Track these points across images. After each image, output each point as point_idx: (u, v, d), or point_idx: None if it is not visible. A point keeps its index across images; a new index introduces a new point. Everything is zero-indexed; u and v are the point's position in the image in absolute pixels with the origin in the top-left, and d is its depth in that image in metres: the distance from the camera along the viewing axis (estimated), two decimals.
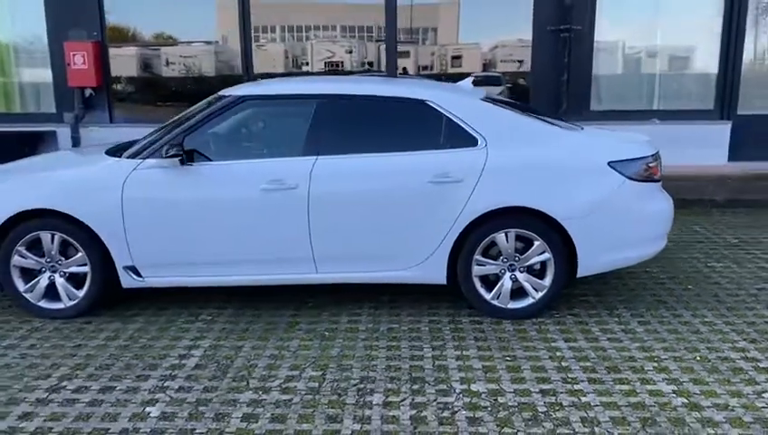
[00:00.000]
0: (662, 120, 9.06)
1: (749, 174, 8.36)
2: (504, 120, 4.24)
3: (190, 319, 4.31)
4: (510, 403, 3.22)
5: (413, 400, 3.26)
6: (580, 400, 3.25)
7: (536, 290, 4.21)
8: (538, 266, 4.20)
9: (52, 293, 4.31)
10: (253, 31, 9.65)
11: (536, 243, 4.13)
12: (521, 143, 4.17)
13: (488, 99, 4.46)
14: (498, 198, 4.07)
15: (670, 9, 9.19)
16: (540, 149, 4.16)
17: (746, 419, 3.06)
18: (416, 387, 3.38)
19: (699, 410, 3.15)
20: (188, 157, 4.06)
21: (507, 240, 4.14)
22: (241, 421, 3.07)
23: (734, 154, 9.12)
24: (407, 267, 4.22)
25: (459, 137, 4.17)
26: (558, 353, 3.76)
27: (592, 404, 3.20)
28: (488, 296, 4.23)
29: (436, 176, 4.08)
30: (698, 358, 3.69)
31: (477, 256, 4.17)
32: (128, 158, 4.23)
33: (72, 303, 4.29)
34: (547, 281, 4.19)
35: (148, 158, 4.17)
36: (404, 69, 10.47)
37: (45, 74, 9.44)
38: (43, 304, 4.31)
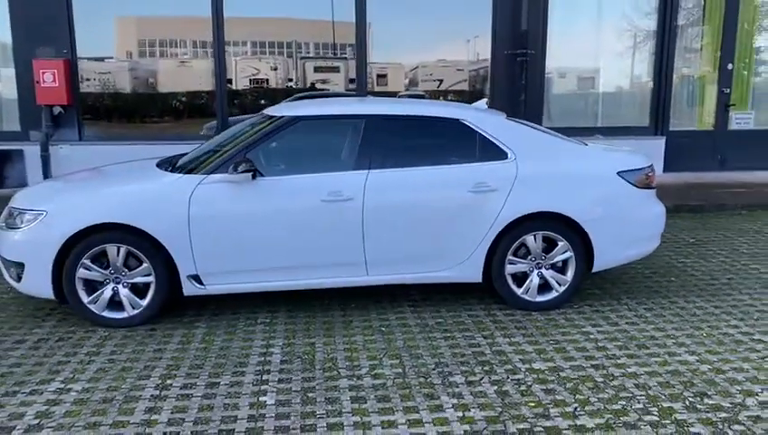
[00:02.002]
0: (605, 136, 10.04)
1: (686, 183, 9.44)
2: (528, 135, 4.86)
3: (250, 322, 4.63)
4: (571, 376, 3.79)
5: (490, 378, 3.77)
6: (626, 371, 3.86)
7: (560, 284, 4.82)
8: (560, 264, 4.82)
9: (115, 303, 4.51)
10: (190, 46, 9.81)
11: (560, 243, 4.75)
12: (544, 156, 4.80)
13: (510, 118, 5.07)
14: (528, 205, 4.66)
15: (611, 37, 10.23)
16: (561, 161, 4.81)
17: (761, 377, 3.77)
18: (486, 368, 3.90)
19: (723, 373, 3.83)
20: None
21: (536, 241, 4.74)
22: (352, 403, 3.48)
23: (669, 166, 10.24)
24: (448, 268, 4.74)
25: (492, 151, 4.75)
26: (591, 336, 4.38)
27: (638, 374, 3.83)
28: (519, 291, 4.81)
29: (475, 186, 4.63)
30: (705, 334, 4.41)
31: (510, 257, 4.75)
32: (192, 173, 4.53)
33: (136, 312, 4.52)
34: (569, 276, 4.82)
35: (212, 173, 4.48)
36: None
37: (9, 91, 9.33)
38: (107, 313, 4.51)
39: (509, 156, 4.74)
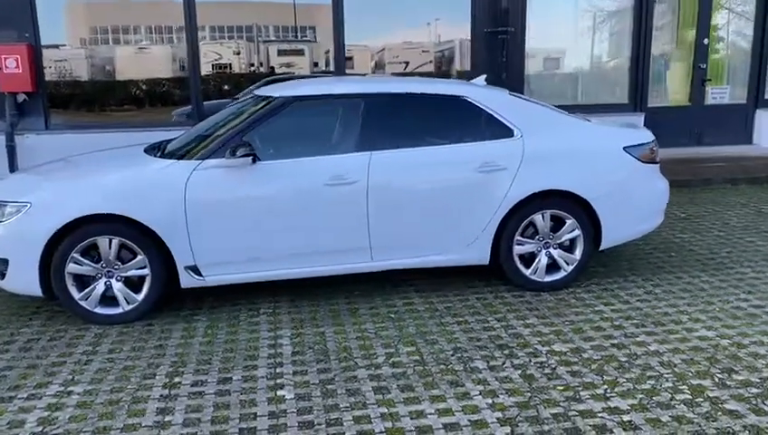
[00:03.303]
0: (585, 114, 9.99)
1: (671, 158, 9.46)
2: (533, 111, 4.73)
3: (252, 313, 4.43)
4: (594, 357, 3.70)
5: (512, 362, 3.65)
6: (648, 349, 3.79)
7: (568, 263, 4.73)
8: (568, 243, 4.72)
9: (108, 298, 4.26)
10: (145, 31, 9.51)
11: (568, 221, 4.65)
12: (550, 133, 4.67)
13: (513, 94, 4.93)
14: (537, 183, 4.54)
15: (589, 14, 10.17)
16: (567, 137, 4.69)
17: None
18: (506, 352, 3.78)
19: (744, 347, 3.78)
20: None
21: (544, 220, 4.63)
22: (375, 393, 3.32)
23: None
24: (455, 251, 4.60)
25: (497, 129, 4.60)
26: (605, 315, 4.29)
27: (660, 351, 3.75)
28: (527, 272, 4.70)
29: (483, 165, 4.49)
30: (717, 309, 4.36)
31: (518, 237, 4.63)
32: (185, 159, 4.28)
33: (132, 307, 4.28)
34: (577, 255, 4.72)
35: (207, 158, 4.24)
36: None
37: None
38: (100, 310, 4.26)
39: (515, 133, 4.60)
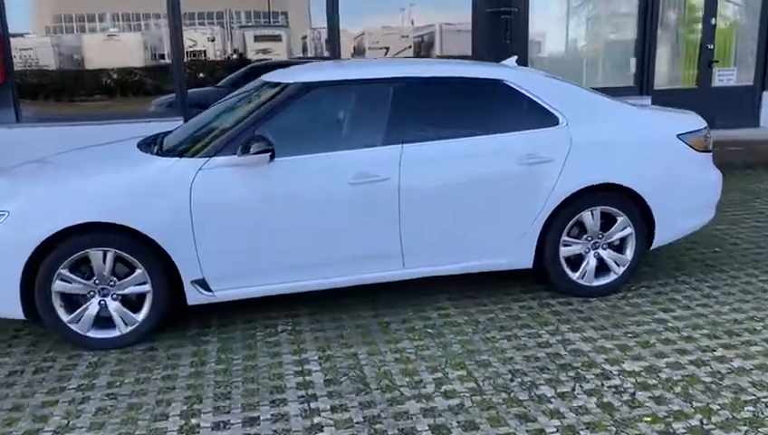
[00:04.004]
0: None
1: None
2: (577, 96, 4.23)
3: (269, 331, 3.88)
4: (674, 378, 3.22)
5: (582, 387, 3.16)
6: (731, 365, 3.32)
7: (618, 265, 4.25)
8: (618, 242, 4.24)
9: (102, 320, 3.68)
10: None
11: (619, 219, 4.16)
12: (598, 119, 4.18)
13: (550, 75, 4.42)
14: (586, 177, 4.04)
15: None
16: (616, 125, 4.19)
17: None
18: (572, 374, 3.28)
19: None
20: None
21: (593, 218, 4.14)
22: (432, 433, 2.80)
23: None
24: (495, 255, 4.09)
25: (541, 116, 4.09)
26: (669, 324, 3.82)
27: (746, 368, 3.29)
28: (574, 276, 4.20)
29: (527, 156, 3.97)
30: None
31: (565, 237, 4.13)
32: (189, 157, 3.70)
33: (130, 328, 3.70)
34: (628, 255, 4.24)
35: (215, 155, 3.66)
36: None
37: None
38: (93, 333, 3.67)
39: (560, 120, 4.09)
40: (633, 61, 9.89)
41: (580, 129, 4.08)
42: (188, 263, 3.66)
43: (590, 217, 4.13)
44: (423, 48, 10.10)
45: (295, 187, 3.72)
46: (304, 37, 11.59)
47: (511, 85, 4.08)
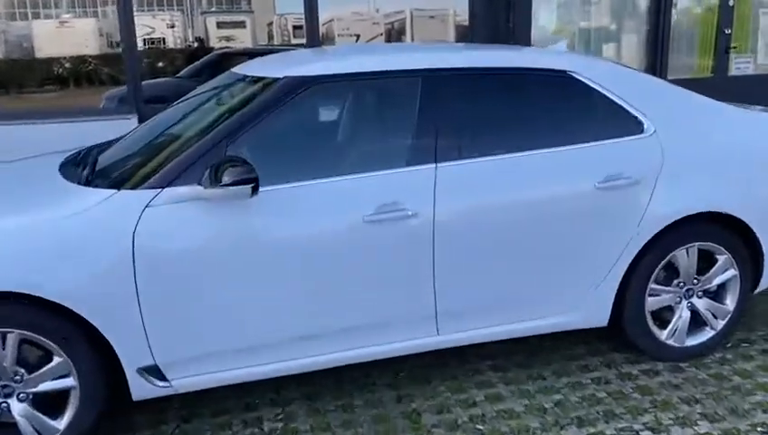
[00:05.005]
0: None
1: None
2: (665, 93, 3.15)
3: (251, 429, 2.72)
4: None
5: None
6: None
7: (716, 317, 3.19)
8: (715, 288, 3.18)
9: (6, 427, 2.48)
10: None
11: (721, 258, 3.10)
12: (694, 125, 3.11)
13: (623, 65, 3.33)
14: (684, 203, 2.97)
15: None
16: (719, 132, 3.12)
17: None
18: None
19: None
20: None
21: (689, 258, 3.07)
22: None
23: None
24: (562, 311, 3.00)
25: (621, 120, 2.99)
26: None
27: None
28: (662, 335, 3.14)
29: (607, 178, 2.88)
30: None
31: (652, 284, 3.05)
32: (129, 188, 2.51)
33: None
34: (729, 304, 3.19)
35: (169, 185, 2.48)
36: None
37: None
38: None
39: (645, 127, 3.00)
40: (644, 47, 8.93)
41: (674, 137, 3.00)
42: (132, 344, 2.49)
43: (684, 257, 3.06)
44: (393, 34, 9.60)
45: (289, 229, 2.57)
46: (270, 24, 10.69)
47: (581, 79, 2.97)
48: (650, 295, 3.07)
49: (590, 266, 2.95)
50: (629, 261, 2.97)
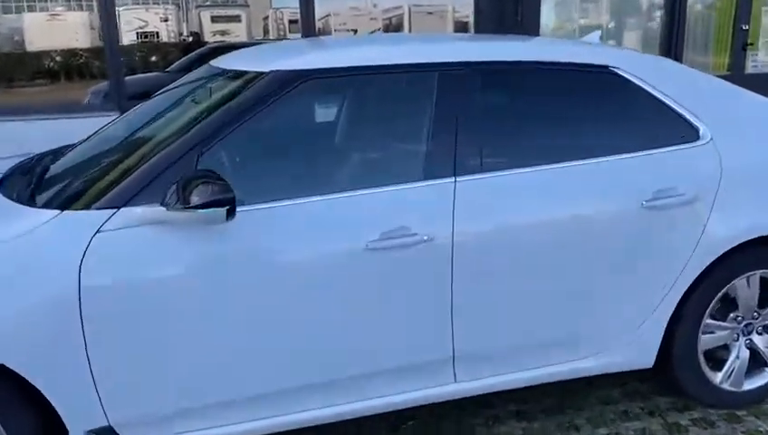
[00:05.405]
0: None
1: None
2: (724, 94, 2.68)
3: None
4: None
5: None
6: None
7: None
8: None
9: None
10: None
11: None
12: (758, 131, 2.64)
13: (667, 59, 2.86)
14: (748, 223, 2.51)
15: None
16: None
17: None
18: None
19: None
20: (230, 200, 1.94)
21: (749, 288, 2.60)
22: None
23: None
24: (600, 352, 2.52)
25: (671, 126, 2.52)
26: None
27: None
28: (717, 378, 2.67)
29: (655, 195, 2.40)
30: None
31: (707, 320, 2.58)
32: (77, 208, 2.02)
33: None
34: None
35: (125, 205, 2.00)
36: None
37: None
38: None
39: (701, 133, 2.52)
40: (657, 42, 8.49)
41: (734, 145, 2.53)
42: (79, 402, 2.00)
43: (745, 287, 2.59)
44: (392, 31, 9.42)
45: (274, 259, 2.08)
46: (266, 18, 10.55)
47: (625, 75, 2.49)
48: (705, 332, 2.60)
49: (635, 300, 2.47)
50: (682, 293, 2.50)
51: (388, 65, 2.29)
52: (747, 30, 8.82)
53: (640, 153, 2.44)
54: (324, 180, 2.21)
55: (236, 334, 2.08)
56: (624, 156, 2.43)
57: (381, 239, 2.13)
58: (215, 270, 2.02)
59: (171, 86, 2.73)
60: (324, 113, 2.51)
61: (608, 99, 2.50)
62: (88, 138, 2.70)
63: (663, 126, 2.50)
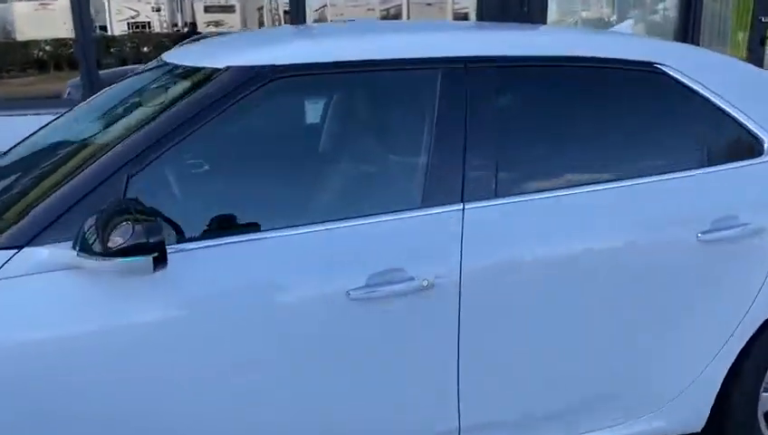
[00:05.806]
0: None
1: None
2: None
3: None
4: None
5: None
6: None
7: None
8: None
9: None
10: None
11: None
12: None
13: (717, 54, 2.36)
14: None
15: None
16: None
17: None
18: None
19: None
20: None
21: None
22: None
23: None
24: (641, 415, 2.04)
25: (731, 137, 2.04)
26: None
27: None
28: None
29: (714, 225, 1.91)
30: None
31: None
32: None
33: None
34: None
35: (28, 245, 1.50)
36: None
37: None
38: None
39: (765, 145, 2.03)
40: (672, 36, 8.09)
41: None
42: None
43: None
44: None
45: (227, 315, 1.59)
46: (260, 8, 10.48)
47: (674, 75, 1.99)
48: (765, 390, 2.12)
49: (685, 352, 2.00)
50: (743, 343, 2.02)
51: (380, 60, 1.78)
52: (766, 22, 8.41)
53: (694, 172, 1.96)
54: (294, 209, 1.71)
55: (179, 411, 1.59)
56: (674, 176, 1.94)
57: (368, 287, 1.64)
58: (145, 332, 1.53)
59: (114, 85, 2.23)
60: (298, 121, 2.02)
61: (654, 104, 2.00)
62: (11, 147, 2.20)
63: (721, 138, 2.02)
